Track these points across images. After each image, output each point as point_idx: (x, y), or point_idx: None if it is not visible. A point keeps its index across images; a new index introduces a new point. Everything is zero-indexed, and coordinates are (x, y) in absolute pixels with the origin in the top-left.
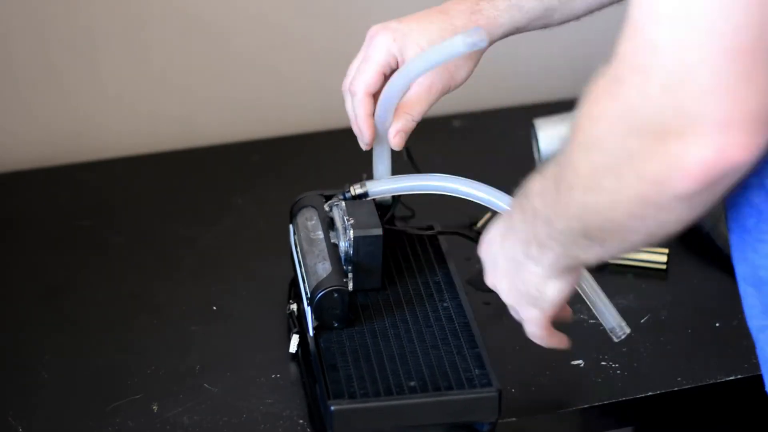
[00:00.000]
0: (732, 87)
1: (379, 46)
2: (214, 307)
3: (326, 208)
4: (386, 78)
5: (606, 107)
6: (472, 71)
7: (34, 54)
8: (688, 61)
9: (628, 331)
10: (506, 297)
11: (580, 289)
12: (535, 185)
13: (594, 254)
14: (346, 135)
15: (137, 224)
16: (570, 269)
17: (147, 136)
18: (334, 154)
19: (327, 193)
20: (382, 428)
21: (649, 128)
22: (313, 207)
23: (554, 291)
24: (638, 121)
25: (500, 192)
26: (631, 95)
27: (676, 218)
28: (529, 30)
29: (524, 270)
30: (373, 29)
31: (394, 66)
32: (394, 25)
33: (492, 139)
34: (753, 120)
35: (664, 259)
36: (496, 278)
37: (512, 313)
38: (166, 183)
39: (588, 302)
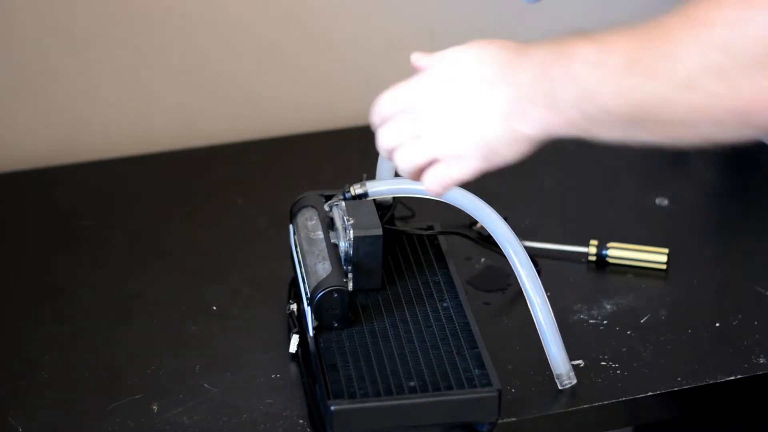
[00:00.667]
0: None
1: None
2: (214, 307)
3: (326, 208)
4: None
5: (750, 14)
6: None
7: (34, 54)
8: None
9: (574, 381)
10: (441, 132)
11: (537, 324)
12: (586, 52)
13: (616, 135)
14: (346, 135)
15: (137, 224)
16: (547, 138)
17: (146, 136)
18: (334, 154)
19: (327, 193)
20: (382, 428)
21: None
22: (313, 207)
23: (517, 154)
24: None
25: (495, 213)
26: None
27: (750, 135)
28: None
29: (504, 125)
30: None
31: None
32: None
33: None
34: None
35: (664, 259)
36: (442, 121)
37: (435, 156)
38: (166, 183)
39: (541, 338)
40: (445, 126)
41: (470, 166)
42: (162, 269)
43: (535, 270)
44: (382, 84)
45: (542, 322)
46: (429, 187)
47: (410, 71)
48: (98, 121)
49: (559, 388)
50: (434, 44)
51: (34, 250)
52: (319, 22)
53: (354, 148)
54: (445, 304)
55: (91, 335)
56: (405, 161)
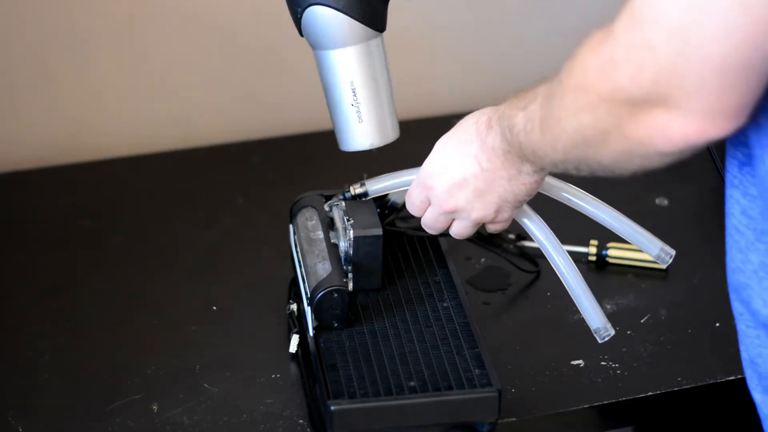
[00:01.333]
0: (716, 93)
1: None
2: (214, 307)
3: (326, 208)
4: None
5: (597, 82)
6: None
7: (34, 54)
8: (680, 68)
9: (612, 332)
10: (483, 211)
11: (568, 288)
12: (518, 120)
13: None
14: None
15: (137, 224)
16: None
17: (147, 136)
18: (334, 154)
19: (327, 193)
20: (382, 428)
21: (637, 103)
22: (313, 207)
23: (535, 188)
24: (628, 97)
25: None
26: (623, 79)
27: (660, 163)
28: None
29: (518, 182)
30: None
31: None
32: None
33: None
34: (733, 113)
35: None
36: (477, 201)
37: (485, 219)
38: (166, 183)
39: (574, 301)
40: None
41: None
42: (162, 269)
43: (553, 234)
44: None
45: (570, 280)
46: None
47: (407, 71)
48: (98, 121)
49: (599, 341)
50: (432, 45)
51: (34, 250)
52: None
53: None
54: (445, 304)
55: (91, 335)
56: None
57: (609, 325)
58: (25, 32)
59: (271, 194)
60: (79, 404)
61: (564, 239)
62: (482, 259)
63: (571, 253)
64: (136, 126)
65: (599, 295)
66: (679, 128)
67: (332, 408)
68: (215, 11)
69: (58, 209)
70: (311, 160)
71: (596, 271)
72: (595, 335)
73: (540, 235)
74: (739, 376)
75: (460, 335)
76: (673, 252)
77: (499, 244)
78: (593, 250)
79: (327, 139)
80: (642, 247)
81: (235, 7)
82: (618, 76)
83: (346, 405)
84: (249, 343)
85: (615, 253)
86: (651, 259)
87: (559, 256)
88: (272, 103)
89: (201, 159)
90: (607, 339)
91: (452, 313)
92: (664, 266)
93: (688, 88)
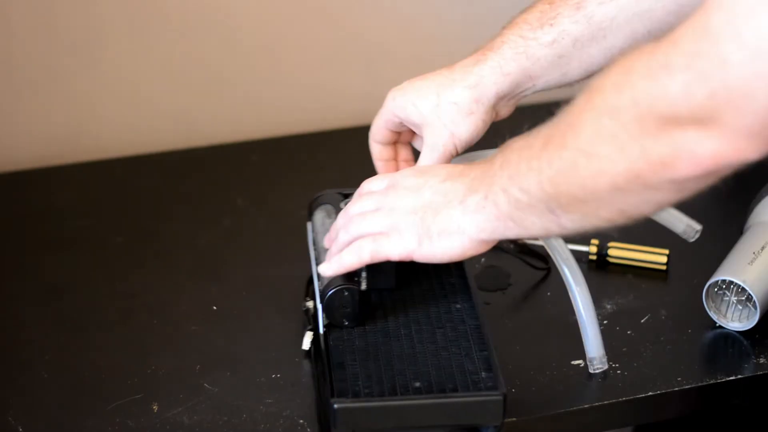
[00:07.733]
0: None
1: (385, 102)
2: (214, 307)
3: (342, 206)
4: (392, 132)
5: (639, 84)
6: (479, 129)
7: (35, 54)
8: (752, 89)
9: (605, 367)
10: (396, 215)
11: (578, 313)
12: (518, 141)
13: (543, 226)
14: (346, 135)
15: (137, 224)
16: (489, 240)
17: (147, 136)
18: (334, 154)
19: (345, 191)
20: (385, 428)
21: (676, 116)
22: (330, 205)
23: (455, 247)
24: (668, 108)
25: None
26: (673, 86)
27: (657, 200)
28: (548, 84)
29: (447, 210)
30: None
31: (396, 121)
32: (404, 84)
33: (492, 140)
34: None
35: (664, 259)
36: (399, 196)
37: (363, 227)
38: (166, 183)
39: (580, 326)
40: (403, 207)
41: (402, 245)
42: (162, 269)
43: (572, 254)
44: (382, 83)
45: (580, 303)
46: (360, 251)
47: (408, 70)
48: (98, 121)
49: (591, 371)
50: (433, 44)
51: (34, 250)
52: (319, 22)
53: (354, 148)
54: (457, 306)
55: (91, 335)
56: (364, 226)
57: (605, 359)
58: (25, 32)
59: (270, 194)
60: (79, 404)
61: (564, 239)
62: (482, 259)
63: (571, 252)
64: (136, 126)
65: (599, 295)
66: (712, 148)
67: (335, 406)
68: (215, 11)
69: (58, 209)
70: (311, 160)
71: (596, 270)
72: (588, 363)
73: (560, 258)
74: (739, 376)
75: (471, 338)
76: (699, 227)
77: (499, 245)
78: (594, 249)
79: (327, 139)
80: (666, 223)
81: (235, 6)
82: (668, 82)
83: (349, 404)
84: (249, 343)
85: (615, 252)
86: (651, 259)
87: (577, 283)
88: (272, 103)
89: (201, 159)
90: (598, 371)
91: (464, 316)
92: (690, 240)
93: (747, 110)
